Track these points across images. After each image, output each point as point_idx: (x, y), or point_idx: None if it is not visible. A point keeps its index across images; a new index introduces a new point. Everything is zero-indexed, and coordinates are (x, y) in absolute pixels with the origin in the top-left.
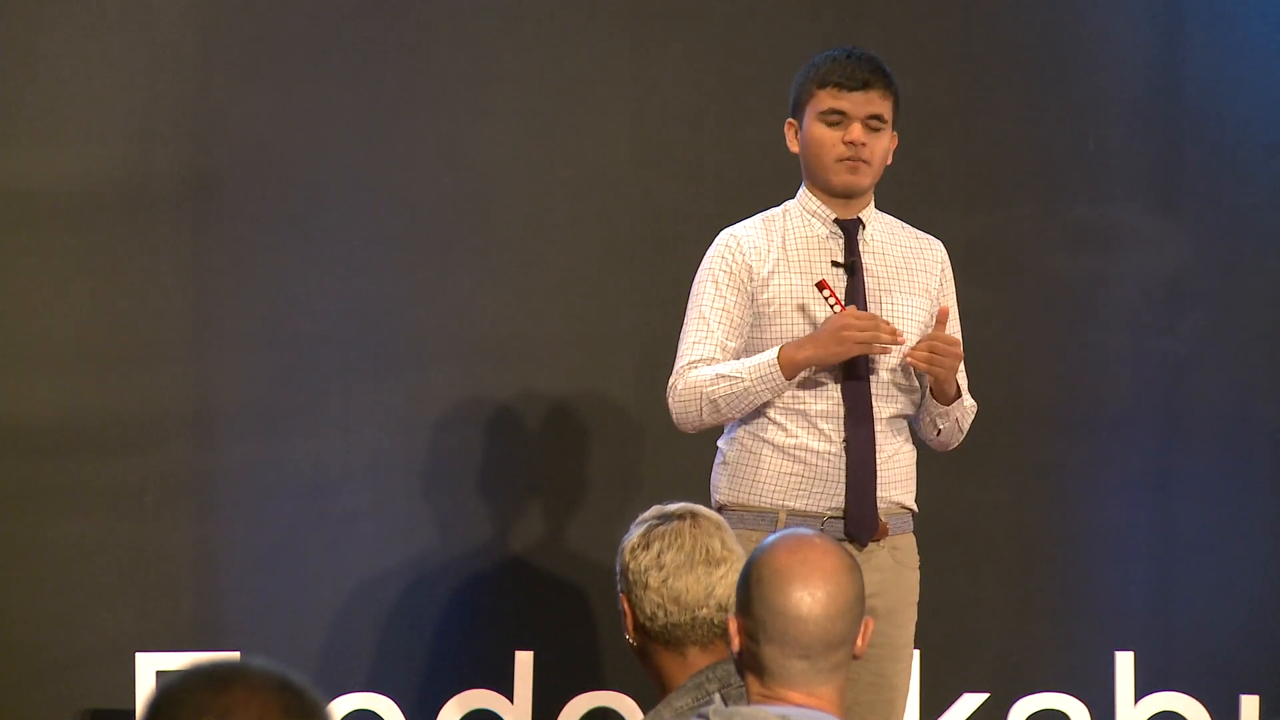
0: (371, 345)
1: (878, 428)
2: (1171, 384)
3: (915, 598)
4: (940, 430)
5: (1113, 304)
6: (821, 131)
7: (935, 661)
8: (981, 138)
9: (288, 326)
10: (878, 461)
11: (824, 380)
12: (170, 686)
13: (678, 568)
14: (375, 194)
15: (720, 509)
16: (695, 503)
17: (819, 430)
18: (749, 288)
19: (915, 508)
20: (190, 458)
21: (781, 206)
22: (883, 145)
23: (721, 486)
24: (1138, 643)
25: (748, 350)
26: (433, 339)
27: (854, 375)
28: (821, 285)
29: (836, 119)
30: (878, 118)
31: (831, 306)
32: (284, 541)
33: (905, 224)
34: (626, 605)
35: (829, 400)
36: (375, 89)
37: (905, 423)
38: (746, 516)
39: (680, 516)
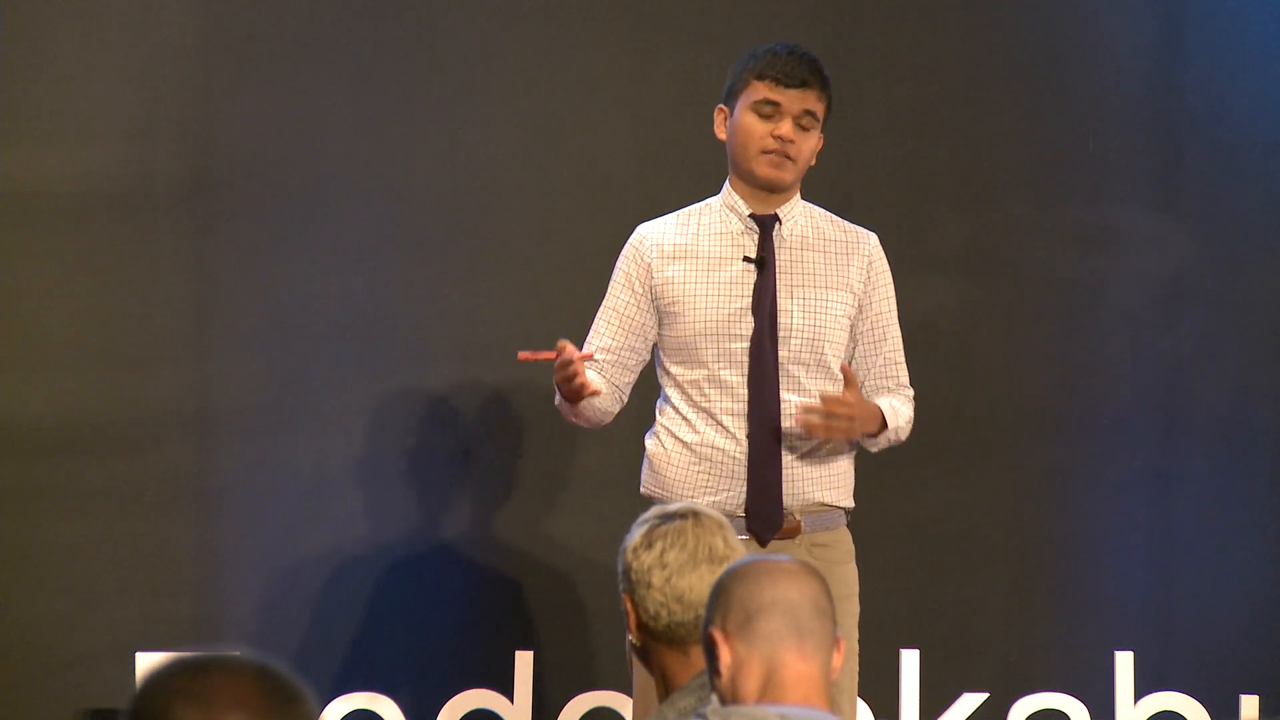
0: (371, 345)
1: (787, 424)
2: (1171, 384)
3: (850, 590)
4: (874, 449)
5: (1113, 304)
6: (752, 121)
7: (935, 661)
8: (981, 138)
9: (288, 326)
10: (787, 459)
11: (730, 379)
12: (153, 675)
13: (680, 566)
14: (375, 194)
15: (648, 501)
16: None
17: (723, 428)
18: (647, 285)
19: (846, 504)
20: (190, 458)
21: (704, 201)
22: (810, 145)
23: (644, 479)
24: (1138, 643)
25: (660, 344)
26: (432, 339)
27: (760, 373)
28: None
29: (770, 111)
30: (811, 115)
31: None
32: (284, 541)
33: (836, 217)
34: (629, 605)
35: (735, 398)
36: (375, 89)
37: None
38: None
39: (682, 516)
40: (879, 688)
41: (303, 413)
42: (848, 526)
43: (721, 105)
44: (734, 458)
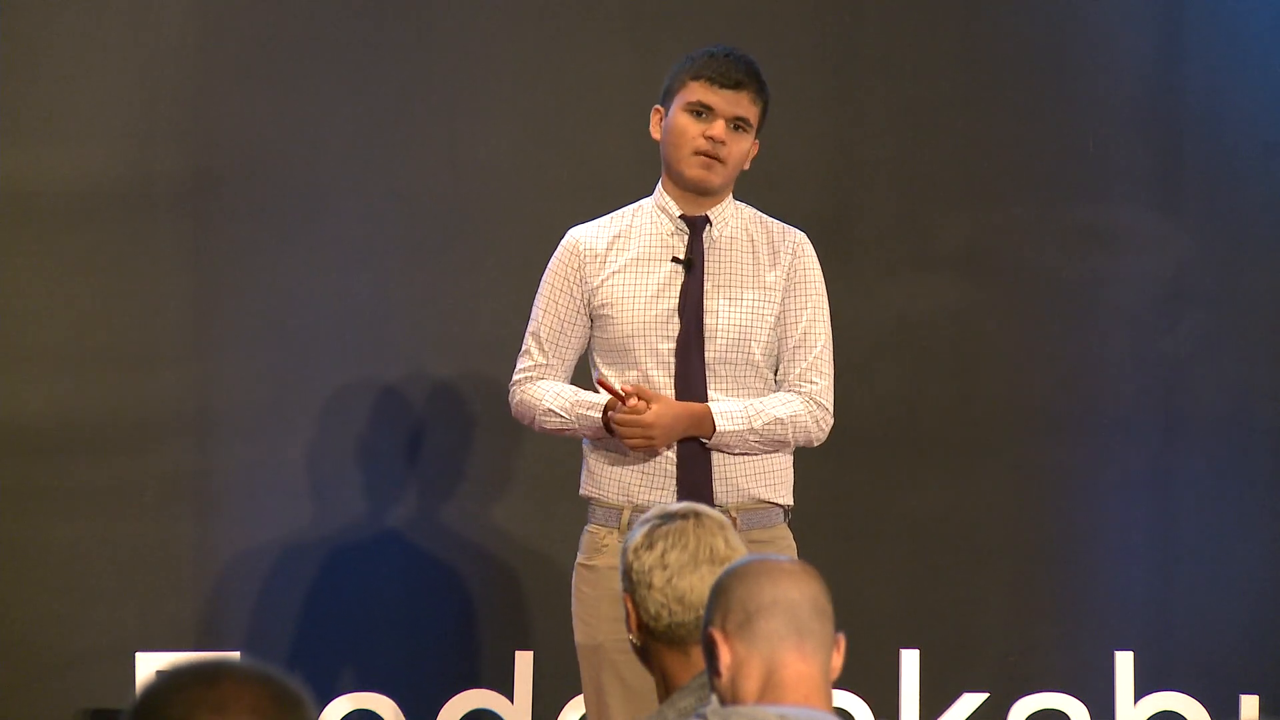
0: (371, 345)
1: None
2: (1171, 384)
3: None
4: (738, 453)
5: (1113, 304)
6: (685, 121)
7: (935, 661)
8: (981, 138)
9: (288, 326)
10: (718, 458)
11: (660, 380)
12: (160, 684)
13: (681, 567)
14: (375, 194)
15: (588, 503)
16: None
17: None
18: (582, 290)
19: (784, 501)
20: (190, 458)
21: (637, 203)
22: (742, 148)
23: (582, 481)
24: (1138, 643)
25: (593, 346)
26: (432, 339)
27: (686, 375)
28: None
29: (702, 112)
30: (743, 120)
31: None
32: (284, 541)
33: (767, 217)
34: (630, 605)
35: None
36: (375, 89)
37: None
38: (597, 511)
39: (684, 516)
40: (879, 688)
41: (303, 413)
42: (789, 525)
43: (658, 106)
44: (665, 457)
